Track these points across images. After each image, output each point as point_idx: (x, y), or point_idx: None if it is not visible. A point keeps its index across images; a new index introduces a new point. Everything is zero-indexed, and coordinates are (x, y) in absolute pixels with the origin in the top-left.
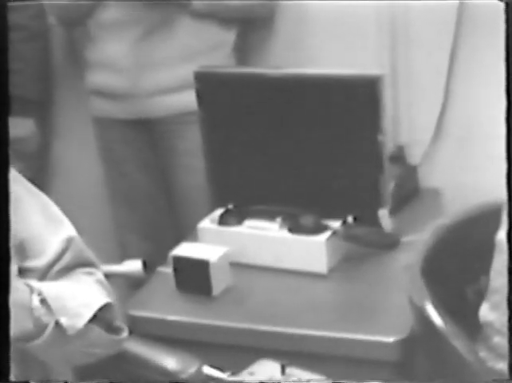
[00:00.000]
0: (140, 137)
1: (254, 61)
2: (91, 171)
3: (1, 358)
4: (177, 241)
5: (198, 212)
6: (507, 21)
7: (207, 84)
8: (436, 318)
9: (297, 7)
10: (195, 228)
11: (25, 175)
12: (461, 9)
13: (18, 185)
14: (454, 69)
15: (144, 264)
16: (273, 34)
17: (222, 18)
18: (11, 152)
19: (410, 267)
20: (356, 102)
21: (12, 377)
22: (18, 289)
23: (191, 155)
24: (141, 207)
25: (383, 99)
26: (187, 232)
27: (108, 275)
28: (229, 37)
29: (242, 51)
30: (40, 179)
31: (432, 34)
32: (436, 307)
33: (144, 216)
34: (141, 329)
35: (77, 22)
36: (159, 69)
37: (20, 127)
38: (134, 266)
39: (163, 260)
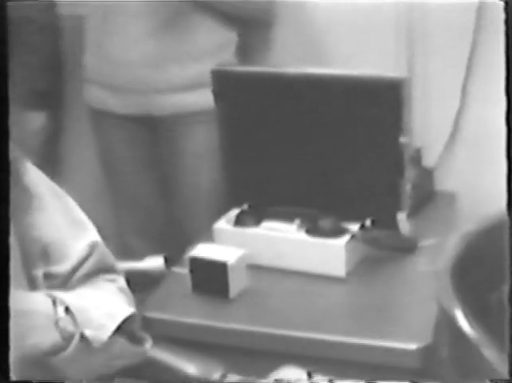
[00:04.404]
0: (143, 135)
1: (257, 62)
2: (95, 168)
3: (1, 358)
4: (185, 242)
5: (207, 213)
6: (507, 21)
7: (224, 82)
8: (466, 326)
9: (300, 6)
10: (210, 229)
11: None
12: (480, 11)
13: (42, 186)
14: (471, 71)
15: (166, 260)
16: (277, 35)
17: (226, 15)
18: (25, 146)
19: (438, 274)
20: (378, 104)
21: (12, 377)
22: (40, 300)
23: (198, 155)
24: (144, 208)
25: (404, 102)
26: (194, 233)
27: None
28: (233, 37)
29: (244, 51)
30: (48, 174)
31: (450, 36)
32: (465, 315)
33: (148, 217)
34: (157, 331)
35: None
36: (167, 66)
37: (33, 120)
38: (156, 262)
39: (175, 261)
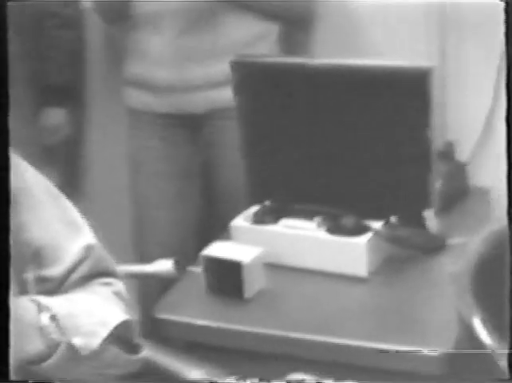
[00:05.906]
0: (179, 132)
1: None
2: (121, 166)
3: (1, 358)
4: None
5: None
6: (507, 21)
7: (244, 74)
8: (484, 336)
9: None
10: (228, 226)
11: (54, 167)
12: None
13: (38, 188)
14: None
15: (177, 264)
16: (317, 28)
17: (262, 11)
18: (41, 143)
19: (457, 277)
20: (403, 95)
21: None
22: (24, 307)
23: (234, 150)
24: (170, 207)
25: (432, 92)
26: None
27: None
28: (271, 30)
29: (286, 44)
30: (68, 173)
31: (483, 27)
32: (485, 323)
33: (174, 215)
34: (169, 333)
35: (120, 18)
36: (202, 63)
37: (51, 116)
38: (165, 265)
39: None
